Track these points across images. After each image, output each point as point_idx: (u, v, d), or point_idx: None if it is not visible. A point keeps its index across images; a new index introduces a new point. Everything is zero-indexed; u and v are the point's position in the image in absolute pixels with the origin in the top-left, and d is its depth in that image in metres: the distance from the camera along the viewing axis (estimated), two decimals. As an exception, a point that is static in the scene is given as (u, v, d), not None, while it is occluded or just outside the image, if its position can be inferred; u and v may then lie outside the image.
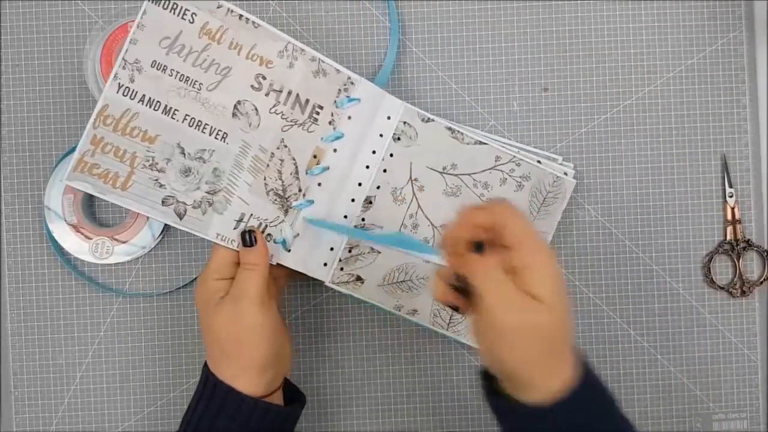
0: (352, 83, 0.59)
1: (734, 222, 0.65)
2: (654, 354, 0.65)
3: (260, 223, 0.57)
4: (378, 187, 0.61)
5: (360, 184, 0.60)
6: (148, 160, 0.54)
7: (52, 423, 0.64)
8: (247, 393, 0.52)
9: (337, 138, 0.59)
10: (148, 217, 0.63)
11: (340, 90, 0.58)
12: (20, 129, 0.64)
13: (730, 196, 0.65)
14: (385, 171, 0.61)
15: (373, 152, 0.60)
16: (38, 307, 0.64)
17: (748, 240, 0.65)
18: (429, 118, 0.61)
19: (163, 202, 0.55)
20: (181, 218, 0.56)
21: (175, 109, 0.55)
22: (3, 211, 0.64)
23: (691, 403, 0.65)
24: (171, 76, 0.54)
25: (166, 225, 0.63)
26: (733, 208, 0.65)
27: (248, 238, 0.56)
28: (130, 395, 0.64)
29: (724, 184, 0.65)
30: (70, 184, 0.53)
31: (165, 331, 0.64)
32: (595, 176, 0.64)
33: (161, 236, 0.63)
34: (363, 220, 0.61)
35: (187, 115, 0.55)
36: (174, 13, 0.54)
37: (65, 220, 0.62)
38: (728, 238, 0.65)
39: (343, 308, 0.65)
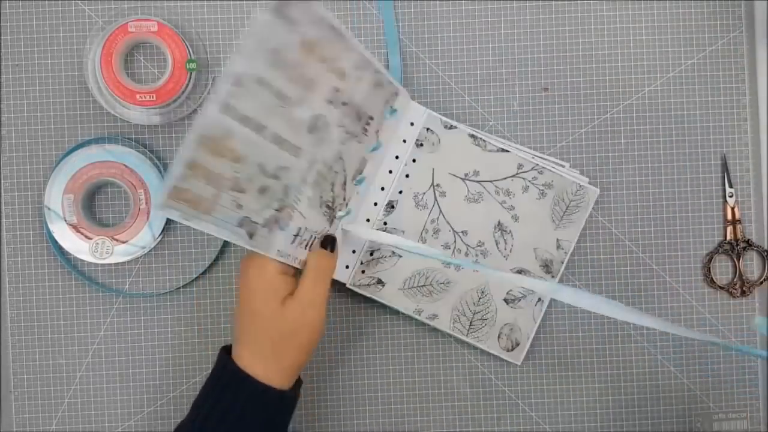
0: (396, 94, 0.59)
1: (734, 222, 0.65)
2: (654, 354, 0.65)
3: (311, 236, 0.56)
4: (400, 192, 0.61)
5: (383, 189, 0.61)
6: (233, 181, 0.48)
7: (52, 423, 0.64)
8: (275, 387, 0.53)
9: (376, 148, 0.59)
10: (148, 217, 0.63)
11: (387, 101, 0.58)
12: (20, 129, 0.64)
13: (730, 196, 0.65)
14: (407, 176, 0.61)
15: (396, 157, 0.61)
16: (38, 307, 0.64)
17: (748, 240, 0.65)
18: (452, 126, 0.61)
19: (240, 224, 0.50)
20: (251, 237, 0.51)
21: (264, 126, 0.48)
22: (3, 211, 0.64)
23: (691, 403, 0.65)
24: (268, 91, 0.47)
25: (165, 225, 0.63)
26: (733, 208, 0.65)
27: (330, 244, 0.56)
28: (130, 395, 0.64)
29: (724, 184, 0.65)
30: (160, 212, 0.46)
31: (165, 331, 0.64)
32: (594, 176, 0.64)
33: (161, 236, 0.63)
34: (385, 224, 0.61)
35: (273, 132, 0.49)
36: (283, 22, 0.46)
37: (65, 220, 0.62)
38: (728, 238, 0.65)
39: (344, 309, 0.65)
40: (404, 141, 0.61)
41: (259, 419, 0.53)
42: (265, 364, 0.53)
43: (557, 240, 0.62)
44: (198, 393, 0.55)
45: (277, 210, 0.52)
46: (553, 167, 0.62)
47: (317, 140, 0.53)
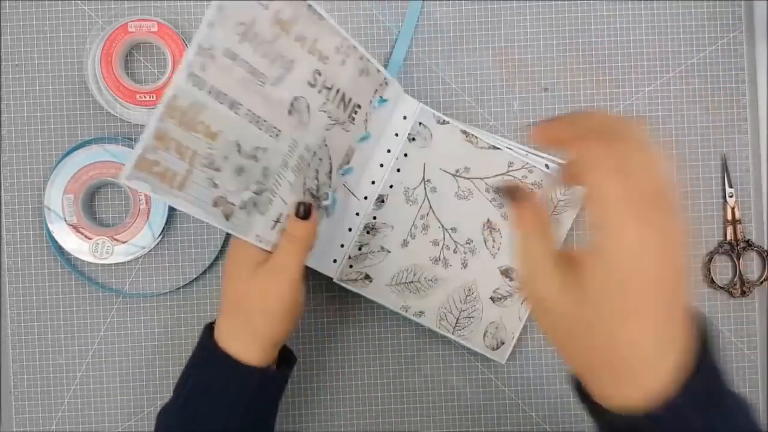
0: (386, 83, 0.58)
1: (734, 222, 0.65)
2: (654, 354, 0.65)
3: None
4: (391, 186, 0.61)
5: (373, 182, 0.61)
6: (207, 158, 0.49)
7: (52, 423, 0.64)
8: (253, 364, 0.52)
9: (365, 138, 0.59)
10: (148, 217, 0.63)
11: (376, 90, 0.58)
12: (20, 129, 0.64)
13: (730, 196, 0.65)
14: (398, 170, 0.61)
15: (388, 151, 0.61)
16: (38, 307, 0.64)
17: (748, 240, 0.65)
18: (444, 120, 0.61)
19: (214, 203, 0.50)
20: (227, 219, 0.51)
21: (239, 104, 0.49)
22: (3, 211, 0.64)
23: (691, 403, 0.65)
24: (241, 66, 0.48)
25: (165, 225, 0.63)
26: (733, 208, 0.65)
27: (302, 210, 0.53)
28: (130, 395, 0.64)
29: (724, 184, 0.65)
30: (128, 183, 0.45)
31: (165, 331, 0.64)
32: (595, 176, 0.64)
33: (161, 236, 0.63)
34: (374, 218, 0.61)
35: (249, 110, 0.50)
36: None
37: (65, 220, 0.62)
38: (728, 238, 0.65)
39: (344, 309, 0.65)
40: (396, 134, 0.61)
41: (241, 397, 0.51)
42: (241, 338, 0.52)
43: None
44: (182, 370, 0.54)
45: (255, 193, 0.52)
46: (543, 167, 0.62)
47: (298, 123, 0.53)
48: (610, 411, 0.37)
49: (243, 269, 0.52)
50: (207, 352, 0.53)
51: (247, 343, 0.52)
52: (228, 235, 0.63)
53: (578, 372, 0.38)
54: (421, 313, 0.61)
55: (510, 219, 0.39)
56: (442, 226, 0.61)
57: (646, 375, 0.35)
